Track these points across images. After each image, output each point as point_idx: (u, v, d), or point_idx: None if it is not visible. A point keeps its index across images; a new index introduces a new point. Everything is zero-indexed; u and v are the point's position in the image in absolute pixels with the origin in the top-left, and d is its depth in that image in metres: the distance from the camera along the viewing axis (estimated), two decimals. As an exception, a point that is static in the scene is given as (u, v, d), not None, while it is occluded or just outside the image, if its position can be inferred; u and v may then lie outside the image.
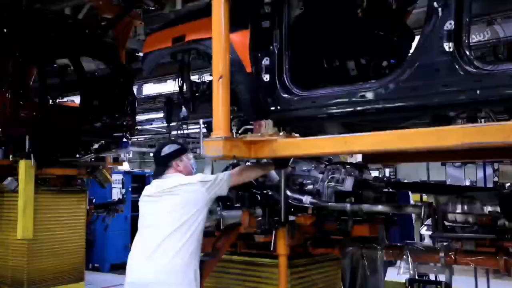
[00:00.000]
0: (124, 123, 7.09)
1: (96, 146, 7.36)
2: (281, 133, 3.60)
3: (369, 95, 3.26)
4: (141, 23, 9.01)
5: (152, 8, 7.18)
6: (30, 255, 6.52)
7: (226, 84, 3.53)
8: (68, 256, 6.96)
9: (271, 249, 4.09)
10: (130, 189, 11.43)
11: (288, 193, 4.17)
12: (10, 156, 6.46)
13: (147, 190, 3.86)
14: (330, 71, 4.28)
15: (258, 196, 4.35)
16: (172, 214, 3.61)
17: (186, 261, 3.55)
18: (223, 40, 3.54)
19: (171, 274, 3.50)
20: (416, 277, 4.61)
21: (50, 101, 8.34)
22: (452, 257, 3.71)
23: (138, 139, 25.14)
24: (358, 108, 3.32)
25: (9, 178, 6.39)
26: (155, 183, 3.84)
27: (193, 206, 3.63)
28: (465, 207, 3.55)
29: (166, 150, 3.83)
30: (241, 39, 3.75)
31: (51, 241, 6.77)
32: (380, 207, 3.96)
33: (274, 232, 4.10)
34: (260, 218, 4.23)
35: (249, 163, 4.18)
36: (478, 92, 2.86)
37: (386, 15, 4.41)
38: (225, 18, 3.54)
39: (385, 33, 4.36)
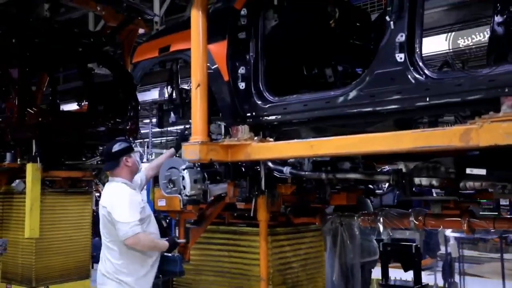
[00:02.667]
0: (127, 127, 7.38)
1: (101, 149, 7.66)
2: (255, 138, 3.85)
3: (334, 102, 3.48)
4: (152, 29, 9.31)
5: (152, 17, 7.48)
6: (38, 253, 6.81)
7: (203, 92, 3.79)
8: (75, 254, 7.24)
9: (251, 214, 4.34)
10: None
11: (271, 165, 4.37)
12: (18, 160, 6.80)
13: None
14: (309, 78, 4.52)
15: (243, 168, 4.52)
16: (104, 229, 4.18)
17: (114, 271, 4.09)
18: (201, 50, 3.80)
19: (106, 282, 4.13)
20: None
21: (76, 104, 8.71)
22: (421, 220, 3.96)
23: (161, 141, 25.63)
24: (324, 114, 3.54)
25: (17, 181, 6.72)
26: (104, 191, 4.38)
27: (111, 231, 4.11)
28: (431, 172, 3.69)
29: (117, 147, 4.26)
30: (219, 49, 4.00)
31: (58, 240, 7.06)
32: (352, 175, 4.14)
33: (254, 199, 4.33)
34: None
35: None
36: (427, 99, 3.07)
37: (362, 24, 4.62)
38: (202, 30, 3.81)
39: (362, 41, 4.57)
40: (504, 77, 2.79)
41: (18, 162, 6.77)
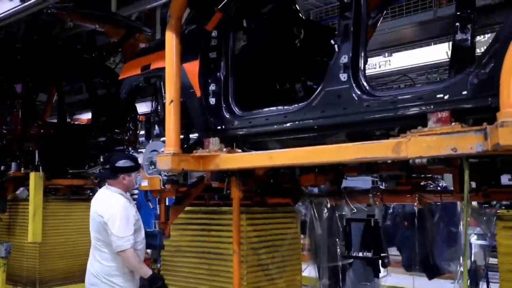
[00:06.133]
0: (126, 137, 7.79)
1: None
2: (224, 149, 4.18)
3: (290, 116, 3.81)
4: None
5: (149, 33, 7.88)
6: (41, 257, 7.28)
7: (176, 107, 4.13)
8: (77, 258, 7.59)
9: (224, 192, 4.68)
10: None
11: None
12: (22, 169, 7.25)
13: (93, 199, 4.56)
14: (282, 93, 4.85)
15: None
16: (96, 233, 4.39)
17: (106, 273, 4.33)
18: (174, 69, 4.14)
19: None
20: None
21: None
22: (379, 196, 4.37)
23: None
24: (282, 127, 3.86)
25: (21, 188, 7.21)
26: (97, 195, 4.57)
27: (104, 237, 4.33)
28: None
29: (121, 164, 4.45)
30: (192, 68, 4.35)
31: (61, 245, 7.52)
32: None
33: (227, 178, 4.62)
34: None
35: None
36: (369, 114, 3.38)
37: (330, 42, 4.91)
38: (176, 51, 4.15)
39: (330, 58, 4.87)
40: (429, 95, 3.10)
41: (22, 171, 7.21)
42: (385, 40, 8.95)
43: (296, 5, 5.13)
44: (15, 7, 5.65)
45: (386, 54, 9.54)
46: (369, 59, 9.74)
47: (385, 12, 8.63)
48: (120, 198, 4.39)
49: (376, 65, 9.94)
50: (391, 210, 7.64)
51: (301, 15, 5.09)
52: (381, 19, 5.21)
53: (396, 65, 9.51)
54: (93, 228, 4.43)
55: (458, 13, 4.35)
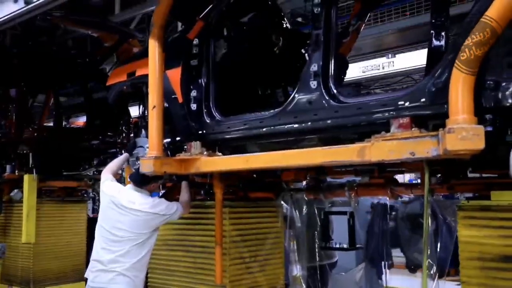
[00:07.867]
0: (119, 140, 7.95)
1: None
2: (205, 153, 4.35)
3: (266, 121, 3.97)
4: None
5: (141, 39, 8.05)
6: (35, 257, 7.44)
7: (159, 113, 4.29)
8: (70, 258, 7.85)
9: (206, 186, 4.91)
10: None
11: None
12: (16, 171, 7.45)
13: (121, 194, 4.62)
14: (263, 98, 5.02)
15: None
16: (134, 231, 4.50)
17: (139, 268, 4.52)
18: (157, 76, 4.30)
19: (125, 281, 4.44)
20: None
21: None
22: (355, 190, 4.62)
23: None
24: (259, 132, 4.02)
25: (15, 190, 7.37)
26: (129, 194, 4.63)
27: (150, 228, 4.55)
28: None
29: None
30: (175, 75, 4.52)
31: (54, 245, 7.69)
32: None
33: (209, 174, 4.82)
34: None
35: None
36: (337, 120, 3.55)
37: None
38: (158, 58, 4.32)
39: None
40: (392, 102, 3.26)
41: (17, 174, 7.40)
42: (388, 41, 9.08)
43: (281, 13, 5.30)
44: (19, 9, 5.80)
45: (390, 55, 9.63)
46: (372, 61, 9.94)
47: (386, 13, 8.79)
48: (154, 198, 4.76)
49: (380, 66, 10.06)
50: (395, 212, 7.83)
51: (283, 23, 5.25)
52: (363, 25, 5.37)
53: (400, 66, 9.62)
54: (137, 226, 4.51)
55: (432, 20, 4.52)
